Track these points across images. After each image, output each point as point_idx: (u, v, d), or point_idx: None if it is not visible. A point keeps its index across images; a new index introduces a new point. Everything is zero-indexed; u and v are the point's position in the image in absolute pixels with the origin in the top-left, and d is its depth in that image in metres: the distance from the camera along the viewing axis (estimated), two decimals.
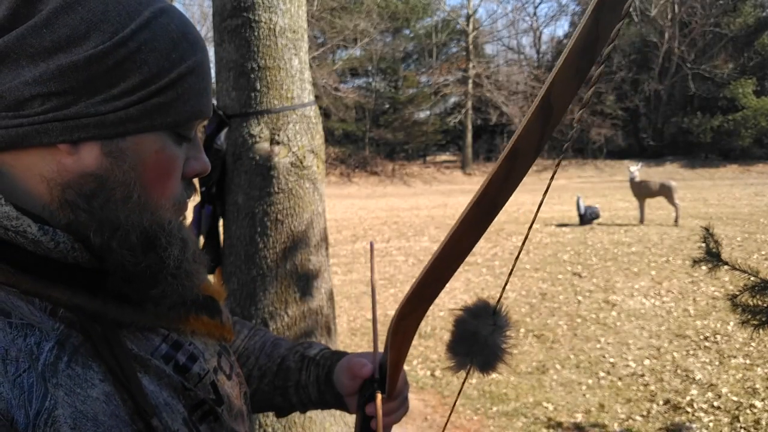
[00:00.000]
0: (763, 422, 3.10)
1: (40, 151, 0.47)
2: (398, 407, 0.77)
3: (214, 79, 2.22)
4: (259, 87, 2.04)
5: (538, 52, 33.87)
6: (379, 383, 0.73)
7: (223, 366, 0.62)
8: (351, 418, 2.31)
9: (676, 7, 28.05)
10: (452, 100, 31.38)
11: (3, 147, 0.47)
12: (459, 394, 0.79)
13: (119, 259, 0.48)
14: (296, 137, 2.09)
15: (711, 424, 3.13)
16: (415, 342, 4.58)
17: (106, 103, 0.47)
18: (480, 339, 0.61)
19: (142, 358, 0.51)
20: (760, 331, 1.73)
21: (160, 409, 0.50)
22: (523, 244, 0.59)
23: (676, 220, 9.67)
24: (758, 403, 3.30)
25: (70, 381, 0.44)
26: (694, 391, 3.53)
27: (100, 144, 0.48)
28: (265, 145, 2.04)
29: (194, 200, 2.24)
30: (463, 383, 0.71)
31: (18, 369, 0.41)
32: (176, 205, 0.55)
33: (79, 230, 0.47)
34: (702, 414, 3.25)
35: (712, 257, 1.93)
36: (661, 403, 3.42)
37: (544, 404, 3.44)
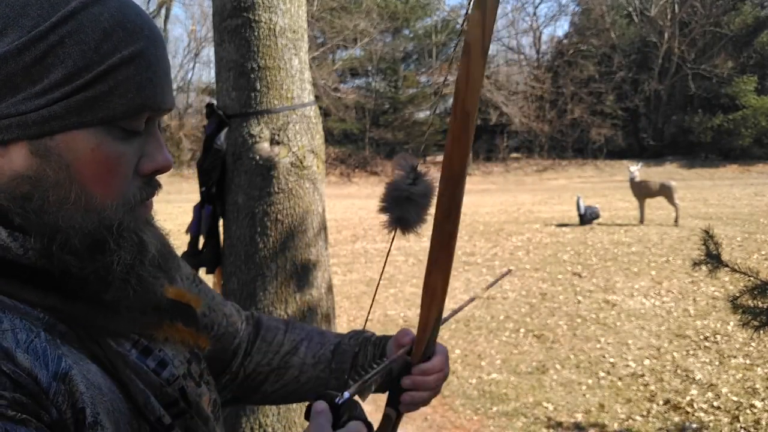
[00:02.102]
0: (763, 422, 3.10)
1: None
2: (429, 373, 0.74)
3: (214, 79, 2.21)
4: (259, 87, 2.04)
5: (538, 52, 33.85)
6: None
7: (192, 373, 0.62)
8: None
9: (676, 6, 28.05)
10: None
11: None
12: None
13: (62, 265, 0.47)
14: (296, 137, 2.09)
15: (711, 424, 3.13)
16: None
17: (28, 102, 0.45)
18: (401, 192, 0.66)
19: (121, 353, 0.52)
20: (761, 331, 1.73)
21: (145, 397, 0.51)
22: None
23: (676, 220, 9.67)
24: (758, 403, 3.30)
25: (72, 354, 0.46)
26: (694, 391, 3.53)
27: (27, 144, 0.46)
28: (265, 145, 2.04)
29: (194, 200, 2.25)
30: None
31: (28, 337, 0.43)
32: (128, 205, 0.52)
33: (19, 238, 0.46)
34: (702, 414, 3.25)
35: (712, 259, 1.93)
36: (661, 403, 3.42)
37: (544, 404, 3.44)
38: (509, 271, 0.88)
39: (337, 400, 0.58)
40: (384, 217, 0.68)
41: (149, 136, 0.54)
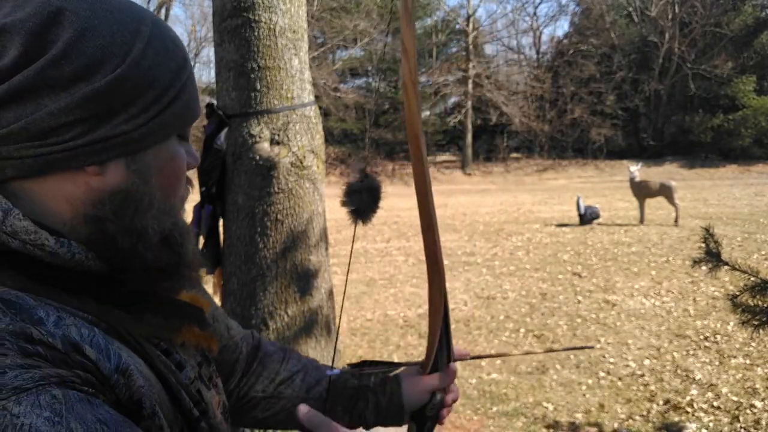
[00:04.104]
0: (763, 422, 3.10)
1: (65, 175, 0.49)
2: (439, 384, 0.80)
3: (214, 79, 2.21)
4: (259, 87, 2.04)
5: (537, 52, 33.85)
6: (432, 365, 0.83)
7: (203, 376, 0.64)
8: None
9: (676, 7, 28.05)
10: (452, 100, 31.38)
11: (27, 175, 0.48)
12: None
13: (143, 261, 0.51)
14: (296, 137, 2.08)
15: (711, 424, 3.13)
16: (414, 342, 4.58)
17: (128, 122, 0.50)
18: (353, 189, 0.80)
19: (154, 351, 0.54)
20: (761, 331, 1.73)
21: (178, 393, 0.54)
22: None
23: (676, 220, 9.67)
24: (758, 403, 3.30)
25: (122, 350, 0.49)
26: (694, 391, 3.53)
27: (124, 161, 0.51)
28: (265, 145, 2.04)
29: (194, 200, 2.25)
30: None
31: (89, 333, 0.46)
32: (184, 202, 0.59)
33: (101, 241, 0.49)
34: (702, 414, 3.25)
35: (712, 257, 1.93)
36: (661, 403, 3.42)
37: (544, 404, 3.44)
38: (592, 347, 0.99)
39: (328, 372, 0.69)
40: (346, 211, 0.82)
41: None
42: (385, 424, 0.84)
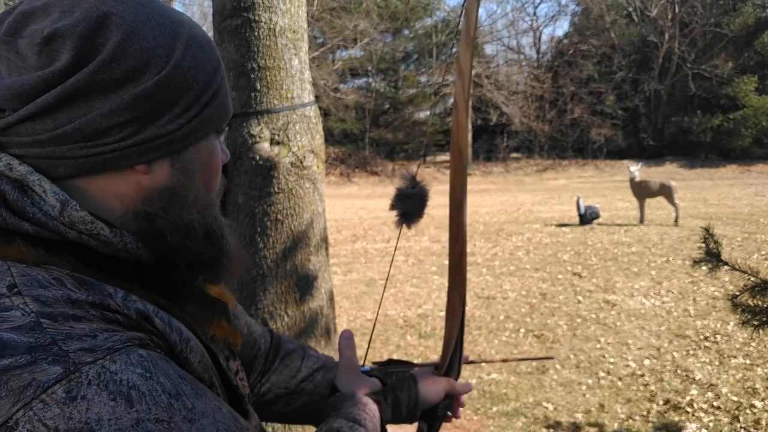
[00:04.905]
0: (763, 422, 3.10)
1: (115, 174, 0.51)
2: (456, 389, 0.86)
3: None
4: (259, 87, 2.04)
5: (537, 52, 33.84)
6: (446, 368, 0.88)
7: (230, 368, 0.65)
8: None
9: (676, 7, 28.05)
10: (452, 100, 31.31)
11: (80, 174, 0.50)
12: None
13: (189, 254, 0.54)
14: (296, 137, 2.09)
15: (711, 424, 3.13)
16: (414, 342, 4.58)
17: (172, 122, 0.52)
18: (403, 194, 0.86)
19: (200, 334, 0.57)
20: (761, 331, 1.73)
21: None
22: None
23: (676, 220, 9.67)
24: (758, 403, 3.30)
25: (181, 325, 0.52)
26: (694, 391, 3.53)
27: (169, 159, 0.53)
28: (265, 145, 2.04)
29: None
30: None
31: (154, 308, 0.49)
32: (220, 197, 0.62)
33: (151, 236, 0.52)
34: (702, 414, 3.25)
35: (712, 257, 1.93)
36: (661, 403, 3.42)
37: (544, 404, 3.44)
38: (551, 358, 1.09)
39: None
40: (394, 216, 0.87)
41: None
42: (399, 422, 0.86)
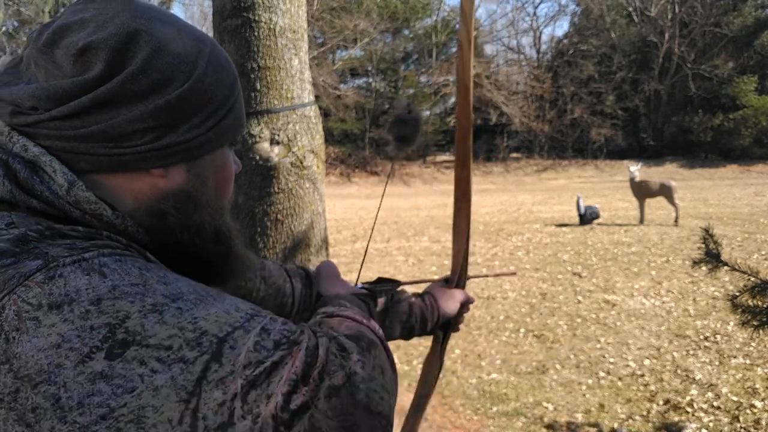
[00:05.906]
0: (763, 422, 3.10)
1: (133, 174, 0.55)
2: (467, 299, 1.02)
3: None
4: (259, 87, 2.04)
5: (538, 52, 33.84)
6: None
7: None
8: None
9: (676, 7, 28.06)
10: (452, 100, 31.35)
11: (99, 170, 0.54)
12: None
13: (198, 251, 0.58)
14: (296, 137, 2.09)
15: (711, 424, 3.13)
16: (414, 342, 4.58)
17: (190, 132, 0.56)
18: (399, 119, 0.90)
19: None
20: (761, 331, 1.73)
21: None
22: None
23: (676, 220, 9.67)
24: (758, 403, 3.30)
25: None
26: (694, 391, 3.53)
27: (185, 165, 0.57)
28: (265, 145, 2.04)
29: None
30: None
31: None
32: (231, 202, 0.66)
33: (162, 233, 0.56)
34: (702, 414, 3.25)
35: (712, 257, 1.93)
36: (661, 403, 3.42)
37: (544, 404, 3.44)
38: (514, 273, 1.25)
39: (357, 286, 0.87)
40: (389, 142, 0.95)
41: None
42: (422, 334, 1.00)
